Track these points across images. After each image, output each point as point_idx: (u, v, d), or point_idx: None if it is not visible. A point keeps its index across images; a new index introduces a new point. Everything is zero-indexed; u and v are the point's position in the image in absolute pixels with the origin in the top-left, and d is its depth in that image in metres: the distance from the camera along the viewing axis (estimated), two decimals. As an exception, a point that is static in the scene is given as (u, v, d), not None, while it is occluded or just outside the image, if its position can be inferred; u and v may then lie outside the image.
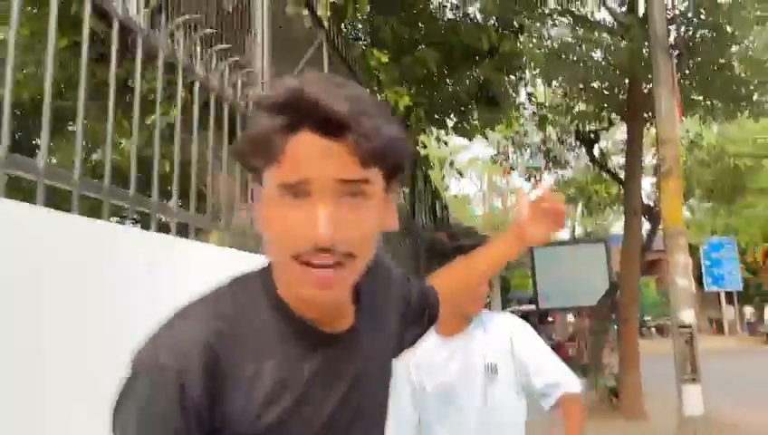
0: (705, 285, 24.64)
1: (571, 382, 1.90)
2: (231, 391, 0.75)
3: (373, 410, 0.93)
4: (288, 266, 0.76)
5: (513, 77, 8.98)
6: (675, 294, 5.78)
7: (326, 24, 3.99)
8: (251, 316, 0.81)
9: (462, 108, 8.61)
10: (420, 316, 1.13)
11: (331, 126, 0.72)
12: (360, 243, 0.76)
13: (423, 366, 1.90)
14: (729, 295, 27.61)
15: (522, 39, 8.38)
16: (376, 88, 5.70)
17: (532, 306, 14.76)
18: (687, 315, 5.74)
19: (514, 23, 8.31)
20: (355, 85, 0.80)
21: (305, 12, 3.64)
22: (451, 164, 10.89)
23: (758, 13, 7.26)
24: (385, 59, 5.11)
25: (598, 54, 8.43)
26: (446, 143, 8.99)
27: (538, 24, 8.45)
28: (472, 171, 28.19)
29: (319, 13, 4.04)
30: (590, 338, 9.57)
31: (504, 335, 1.91)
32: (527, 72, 9.03)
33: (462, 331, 1.92)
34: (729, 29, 7.24)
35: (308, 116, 0.73)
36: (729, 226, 25.43)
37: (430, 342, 1.84)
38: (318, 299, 0.78)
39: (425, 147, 8.78)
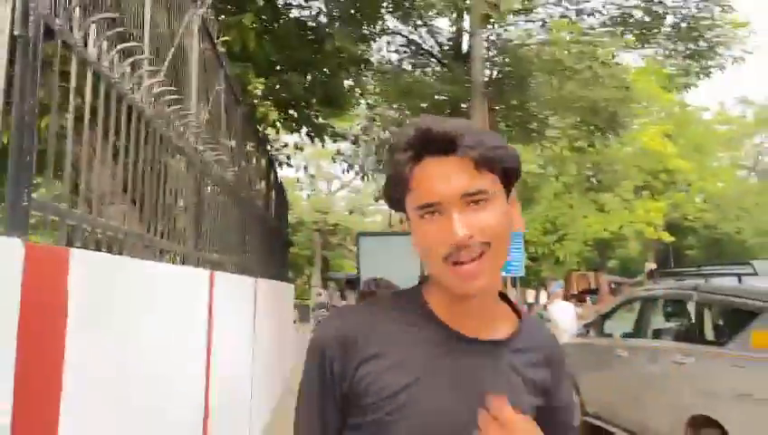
0: (496, 271, 28.14)
1: None
2: (360, 364, 0.97)
3: None
4: (441, 270, 0.94)
5: (352, 82, 10.08)
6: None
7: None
8: (394, 315, 1.03)
9: (308, 109, 9.53)
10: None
11: (442, 144, 0.94)
12: (492, 231, 0.93)
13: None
14: (513, 279, 32.03)
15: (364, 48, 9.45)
16: (249, 101, 6.50)
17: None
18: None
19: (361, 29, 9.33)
20: (456, 118, 1.05)
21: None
22: (305, 168, 11.70)
23: (545, 58, 9.17)
24: (261, 85, 5.98)
25: (427, 76, 9.93)
26: (301, 149, 9.87)
27: (377, 39, 9.69)
28: (298, 153, 29.17)
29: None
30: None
31: None
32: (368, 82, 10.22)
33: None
34: (528, 75, 9.09)
35: (425, 142, 0.95)
36: (518, 221, 29.62)
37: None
38: (468, 289, 0.93)
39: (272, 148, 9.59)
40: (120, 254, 2.30)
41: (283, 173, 21.27)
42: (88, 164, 2.12)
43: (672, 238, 35.83)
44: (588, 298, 21.18)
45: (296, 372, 8.89)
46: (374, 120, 11.71)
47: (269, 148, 8.35)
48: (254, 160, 6.98)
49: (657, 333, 5.85)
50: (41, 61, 1.58)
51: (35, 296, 1.43)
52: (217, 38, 4.70)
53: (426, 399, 0.95)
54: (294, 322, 24.47)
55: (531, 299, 34.29)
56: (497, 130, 9.52)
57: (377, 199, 16.34)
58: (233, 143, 5.55)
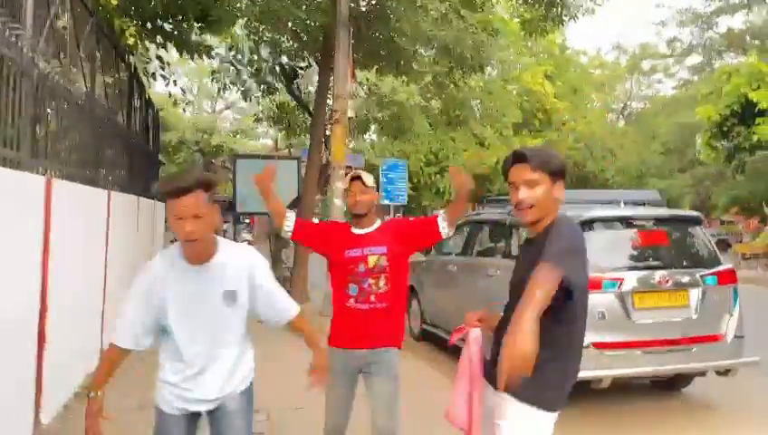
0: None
1: (294, 308, 2.45)
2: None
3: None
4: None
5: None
6: (332, 211, 7.99)
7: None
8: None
9: (177, 22, 9.26)
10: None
11: (521, 158, 2.09)
12: (537, 200, 2.05)
13: (169, 286, 2.22)
14: (397, 208, 33.28)
15: None
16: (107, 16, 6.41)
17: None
18: (339, 225, 8.06)
19: None
20: (541, 148, 2.25)
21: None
22: (175, 82, 11.21)
23: (420, 2, 9.48)
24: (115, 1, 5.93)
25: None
26: (168, 63, 9.60)
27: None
28: (182, 71, 27.92)
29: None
30: (273, 238, 11.58)
31: (245, 267, 2.31)
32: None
33: (207, 261, 2.24)
34: (394, 9, 9.31)
35: (514, 159, 2.13)
36: (402, 151, 30.60)
37: (179, 267, 2.23)
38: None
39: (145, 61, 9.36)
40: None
41: (163, 90, 20.41)
42: None
43: (544, 174, 38.41)
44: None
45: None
46: (256, 41, 11.60)
47: (131, 61, 8.21)
48: (112, 74, 6.92)
49: (480, 251, 6.72)
50: None
51: None
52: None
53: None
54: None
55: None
56: (364, 58, 9.85)
57: (257, 120, 16.24)
58: (82, 55, 5.55)
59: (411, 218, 3.57)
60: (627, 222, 5.30)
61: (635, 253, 5.28)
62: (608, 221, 5.30)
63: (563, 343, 2.06)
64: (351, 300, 3.03)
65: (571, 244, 1.95)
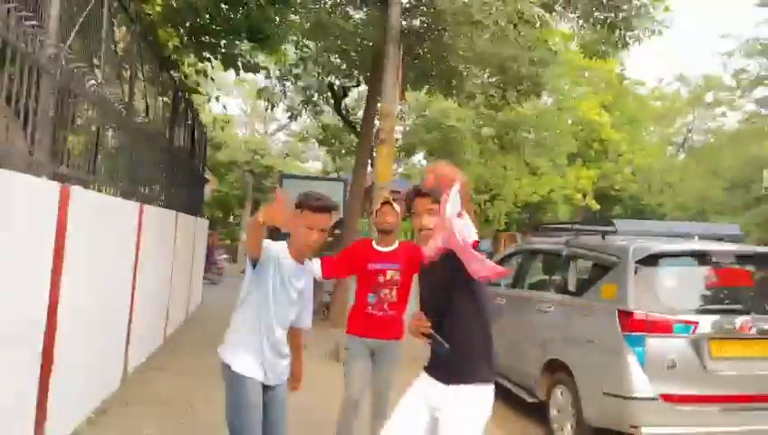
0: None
1: (308, 322, 3.02)
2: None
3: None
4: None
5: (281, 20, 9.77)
6: (374, 235, 7.56)
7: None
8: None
9: (230, 41, 9.15)
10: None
11: (424, 194, 2.63)
12: (437, 226, 2.36)
13: (276, 266, 2.73)
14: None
15: None
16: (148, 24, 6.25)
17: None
18: (381, 250, 7.61)
19: None
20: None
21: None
22: (217, 98, 11.21)
23: (476, 17, 9.07)
24: (158, 8, 5.74)
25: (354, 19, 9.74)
26: (212, 79, 9.46)
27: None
28: (237, 91, 28.34)
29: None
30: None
31: (311, 275, 3.01)
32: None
33: (301, 263, 2.85)
34: (448, 28, 8.96)
35: (416, 193, 2.69)
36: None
37: (286, 258, 2.76)
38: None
39: (186, 76, 9.21)
40: None
41: (218, 110, 20.59)
42: None
43: (599, 206, 37.14)
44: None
45: (204, 309, 8.69)
46: (302, 60, 11.44)
47: (178, 75, 8.07)
48: (154, 84, 6.75)
49: (532, 284, 6.16)
50: None
51: None
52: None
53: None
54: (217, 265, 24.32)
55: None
56: (415, 77, 9.49)
57: (302, 140, 16.12)
58: (124, 65, 5.36)
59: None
60: (702, 258, 4.68)
61: (712, 294, 4.65)
62: (680, 256, 4.70)
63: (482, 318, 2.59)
64: (369, 308, 3.78)
65: None
